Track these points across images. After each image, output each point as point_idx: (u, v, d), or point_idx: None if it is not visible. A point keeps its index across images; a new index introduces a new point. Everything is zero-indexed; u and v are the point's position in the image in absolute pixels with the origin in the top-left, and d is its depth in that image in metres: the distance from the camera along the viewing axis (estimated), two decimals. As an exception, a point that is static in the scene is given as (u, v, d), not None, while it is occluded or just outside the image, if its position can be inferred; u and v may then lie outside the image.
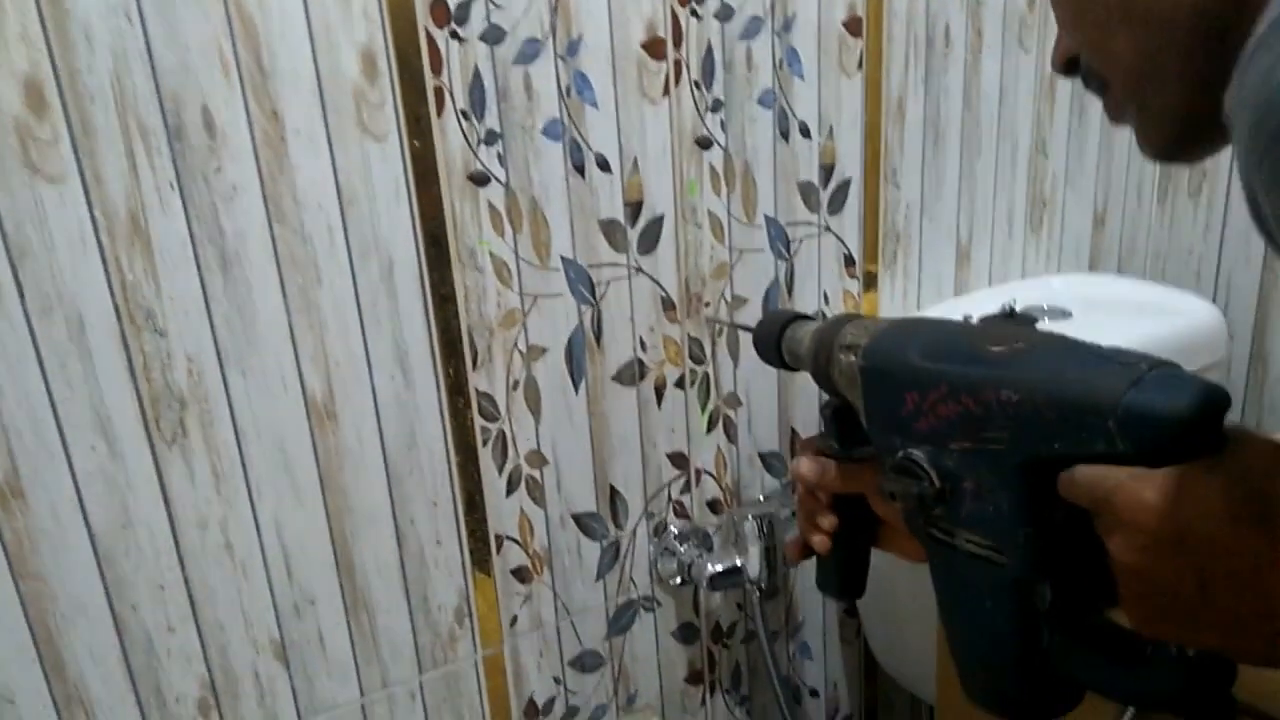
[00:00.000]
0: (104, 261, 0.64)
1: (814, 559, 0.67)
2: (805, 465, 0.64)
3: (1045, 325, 0.91)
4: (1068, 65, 0.46)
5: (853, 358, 0.56)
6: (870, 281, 0.97)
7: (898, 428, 0.53)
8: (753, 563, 0.92)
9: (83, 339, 0.64)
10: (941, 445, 0.50)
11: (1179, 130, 0.43)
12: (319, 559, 0.76)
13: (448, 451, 0.80)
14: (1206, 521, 0.37)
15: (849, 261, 0.94)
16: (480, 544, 0.83)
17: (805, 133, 0.88)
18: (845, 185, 0.91)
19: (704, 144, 0.83)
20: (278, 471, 0.73)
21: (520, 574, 0.86)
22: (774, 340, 0.68)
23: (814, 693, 1.09)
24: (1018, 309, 0.93)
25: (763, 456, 0.96)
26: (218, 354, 0.68)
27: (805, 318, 0.68)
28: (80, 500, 0.67)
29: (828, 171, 0.90)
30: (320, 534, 0.76)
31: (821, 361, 0.61)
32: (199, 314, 0.67)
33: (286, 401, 0.72)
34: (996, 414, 0.46)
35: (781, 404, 0.95)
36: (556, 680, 0.91)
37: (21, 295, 0.62)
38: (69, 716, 0.70)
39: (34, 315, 0.62)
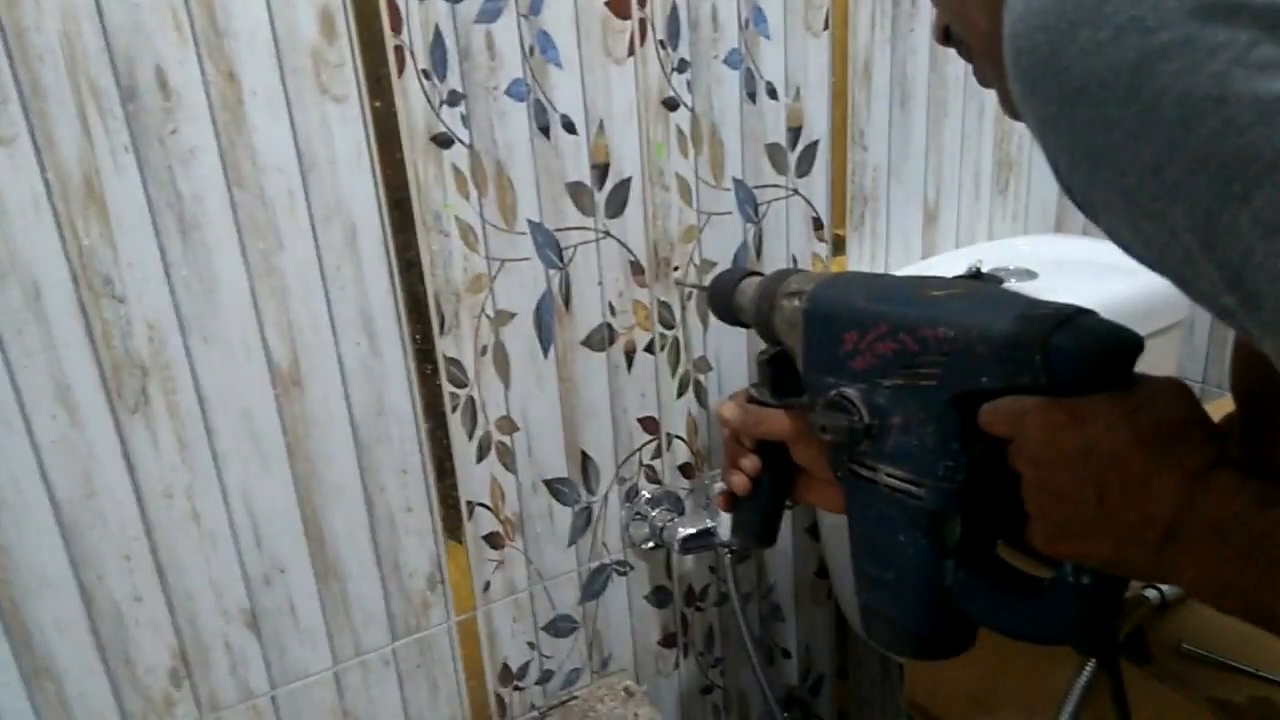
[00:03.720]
0: (58, 227, 0.62)
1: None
2: (729, 410, 0.68)
3: (1011, 286, 0.93)
4: (944, 36, 0.50)
5: (796, 303, 0.61)
6: (839, 245, 0.97)
7: (834, 367, 0.57)
8: (724, 525, 0.93)
9: (39, 306, 0.63)
10: (874, 382, 0.54)
11: None
12: (288, 528, 0.76)
13: (416, 418, 0.79)
14: (1110, 437, 0.41)
15: (817, 224, 0.94)
16: (451, 510, 0.83)
17: (772, 94, 0.87)
18: (813, 147, 0.91)
19: (670, 105, 0.82)
20: (244, 440, 0.72)
21: (492, 540, 0.86)
22: (728, 296, 0.70)
23: (786, 653, 1.10)
24: (984, 270, 0.94)
25: (733, 420, 0.96)
26: (179, 320, 0.68)
27: (757, 274, 0.71)
28: (42, 470, 0.66)
29: (795, 133, 0.90)
30: (289, 502, 0.75)
31: (764, 309, 0.65)
32: (158, 280, 0.66)
33: (250, 369, 0.71)
34: (932, 350, 0.51)
35: (750, 367, 0.95)
36: (531, 645, 0.92)
37: (-27, 261, 0.60)
38: (38, 687, 0.70)
39: (-13, 282, 0.61)
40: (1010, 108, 0.49)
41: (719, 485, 0.94)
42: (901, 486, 0.54)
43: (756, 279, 0.71)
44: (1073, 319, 0.46)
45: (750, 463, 0.69)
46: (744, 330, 0.93)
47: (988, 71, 0.48)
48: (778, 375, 0.68)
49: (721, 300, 0.73)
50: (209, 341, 0.69)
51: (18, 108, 0.60)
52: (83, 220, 0.63)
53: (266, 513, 0.75)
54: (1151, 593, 0.71)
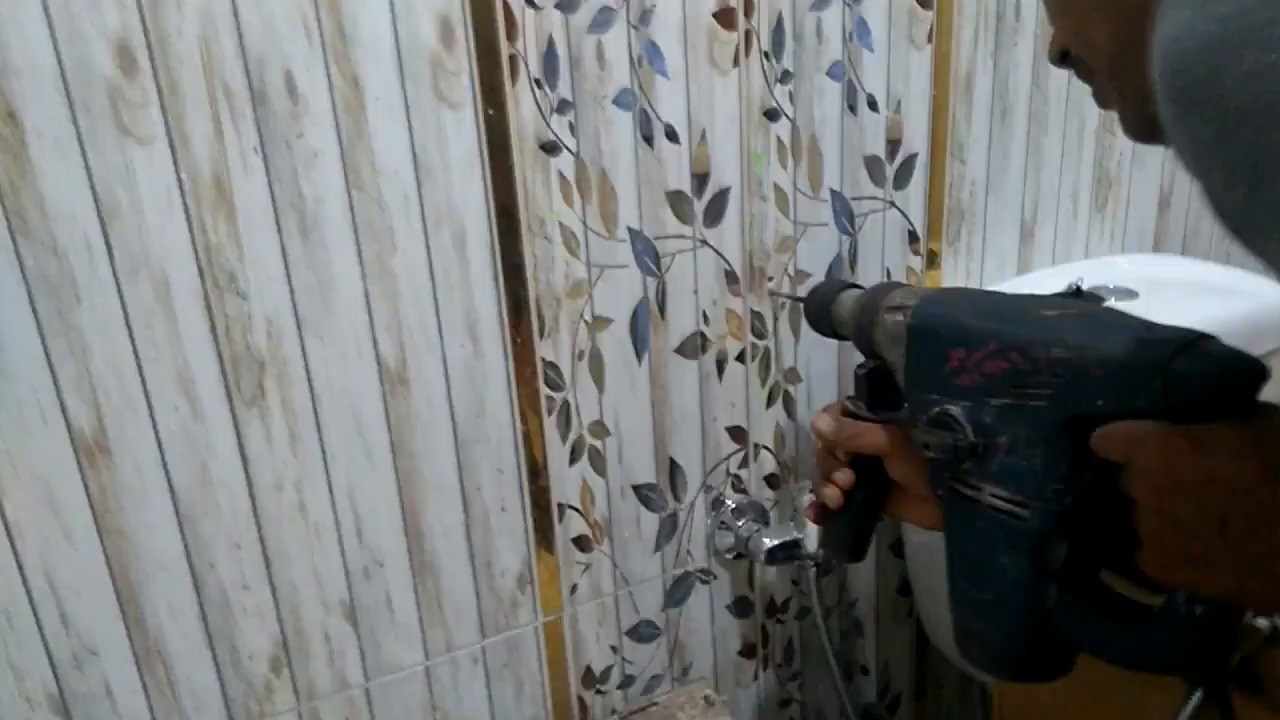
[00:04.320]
0: (189, 223, 0.65)
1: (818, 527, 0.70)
2: (824, 422, 0.67)
3: (1112, 305, 0.91)
4: (1061, 57, 0.49)
5: (900, 317, 0.60)
6: (933, 260, 0.96)
7: (938, 384, 0.56)
8: (810, 538, 0.92)
9: (168, 300, 0.65)
10: (981, 401, 0.53)
11: (1148, 112, 0.46)
12: (389, 523, 0.78)
13: (514, 420, 0.80)
14: (1235, 467, 0.40)
15: (913, 238, 0.94)
16: (543, 512, 0.84)
17: (873, 106, 0.87)
18: (911, 160, 0.91)
19: (772, 116, 0.82)
20: (351, 435, 0.74)
21: (581, 543, 0.87)
22: (826, 307, 0.70)
23: (865, 670, 1.09)
24: (1084, 288, 0.92)
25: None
26: (296, 318, 0.70)
27: (856, 286, 0.71)
28: (163, 459, 0.68)
29: (894, 146, 0.89)
30: (390, 498, 0.77)
31: (865, 322, 0.64)
32: (279, 278, 0.68)
33: (361, 367, 0.73)
34: (1044, 371, 0.49)
35: (841, 380, 0.95)
36: (614, 649, 0.92)
37: (111, 256, 0.63)
38: (149, 669, 0.72)
39: (122, 276, 0.64)
40: (1136, 129, 0.49)
41: (806, 497, 0.94)
42: (1006, 508, 0.53)
43: (856, 291, 0.71)
44: (1195, 344, 0.45)
45: (844, 476, 0.68)
46: (835, 343, 0.93)
47: (1109, 93, 0.48)
48: (875, 389, 0.67)
49: (818, 312, 0.73)
50: (323, 339, 0.71)
51: (157, 109, 0.62)
52: (212, 218, 0.65)
53: (369, 507, 0.76)
54: (1263, 621, 0.69)
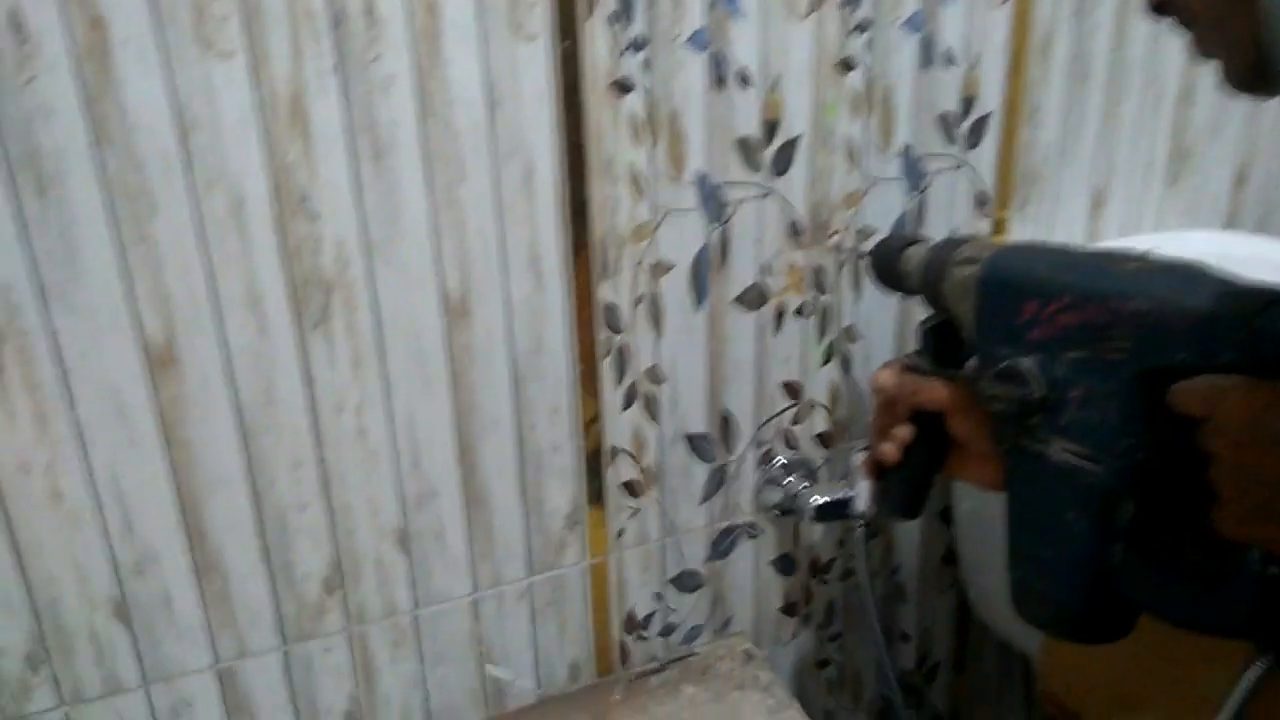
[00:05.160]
0: (265, 142, 0.65)
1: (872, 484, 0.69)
2: (886, 376, 0.67)
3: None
4: (1159, 6, 0.47)
5: (970, 270, 0.60)
6: (999, 227, 0.94)
7: (1009, 337, 0.55)
8: (861, 497, 0.92)
9: (241, 216, 0.66)
10: (1054, 354, 0.53)
11: (1256, 58, 0.44)
12: (445, 454, 0.78)
13: (571, 360, 0.81)
14: None
15: (981, 200, 0.92)
16: (594, 454, 0.85)
17: (949, 62, 0.85)
18: (984, 120, 0.89)
19: (846, 65, 0.81)
20: (412, 363, 0.75)
21: (630, 488, 0.87)
22: (892, 261, 0.70)
23: (905, 636, 1.09)
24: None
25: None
26: (365, 242, 0.70)
27: (923, 240, 0.71)
28: (230, 373, 0.69)
29: (968, 104, 0.88)
30: (447, 429, 0.78)
31: (933, 275, 0.64)
32: (349, 201, 0.69)
33: (425, 294, 0.73)
34: (1123, 324, 0.49)
35: (900, 340, 0.94)
36: (657, 596, 0.93)
37: (188, 169, 0.64)
38: (207, 583, 0.74)
39: (200, 189, 0.65)
40: (1241, 78, 0.47)
41: (859, 455, 0.94)
42: (1076, 463, 0.52)
43: (923, 245, 0.71)
44: None
45: (903, 432, 0.68)
46: (895, 303, 0.92)
47: (1211, 42, 0.46)
48: (940, 344, 0.67)
49: (885, 265, 0.73)
50: (390, 265, 0.71)
51: (238, 23, 0.63)
52: (287, 137, 0.66)
53: (426, 436, 0.77)
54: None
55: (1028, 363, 0.54)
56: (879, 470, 0.71)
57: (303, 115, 0.66)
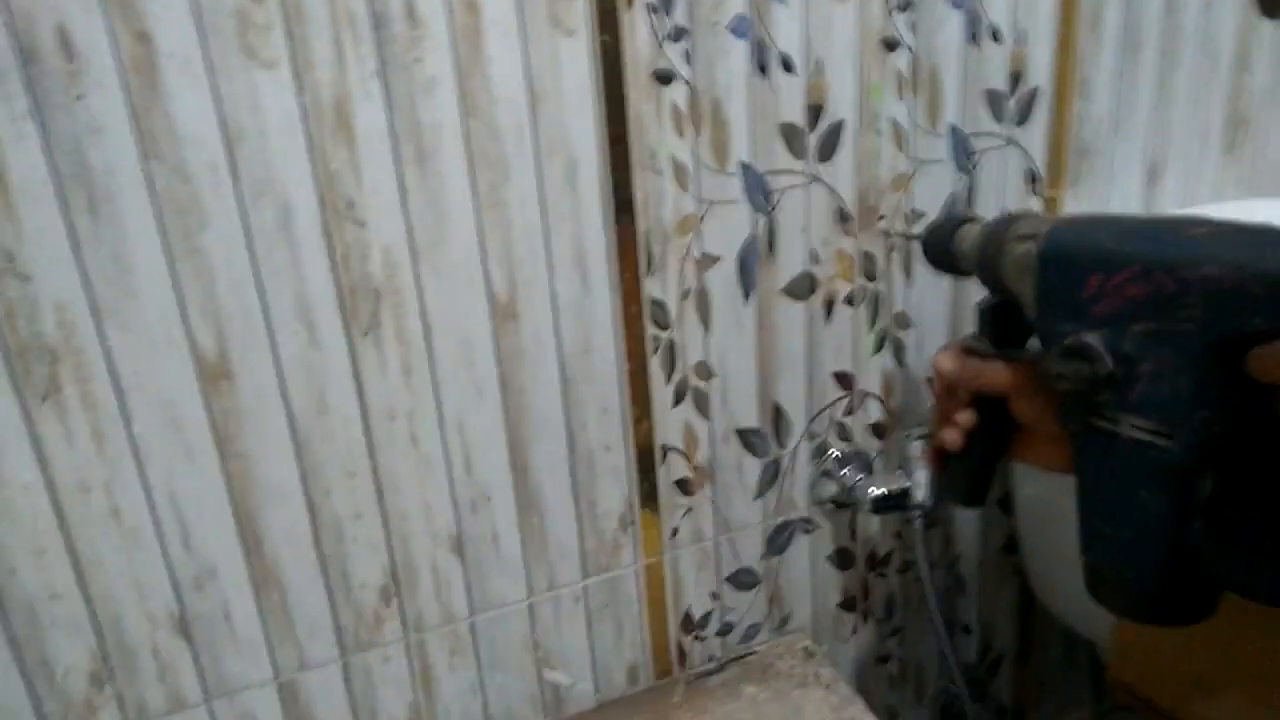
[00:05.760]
0: (310, 150, 0.65)
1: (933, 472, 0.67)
2: (947, 360, 0.65)
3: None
4: None
5: (1029, 245, 0.58)
6: (1051, 205, 0.92)
7: (1073, 312, 0.53)
8: (919, 487, 0.90)
9: (290, 226, 0.66)
10: (1121, 328, 0.50)
11: None
12: (496, 457, 0.78)
13: (619, 358, 0.80)
14: None
15: (1032, 178, 0.90)
16: (645, 454, 0.84)
17: (996, 37, 0.83)
18: (1033, 95, 0.87)
19: (890, 45, 0.79)
20: (462, 367, 0.74)
21: (683, 486, 0.86)
22: (946, 242, 0.68)
23: (966, 629, 1.06)
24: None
25: (930, 382, 0.93)
26: (411, 248, 0.70)
27: (977, 219, 0.69)
28: (282, 384, 0.69)
29: (1016, 79, 0.86)
30: (498, 432, 0.77)
31: (990, 253, 0.62)
32: (395, 207, 0.68)
33: (473, 297, 0.73)
34: (1195, 291, 0.46)
35: (952, 327, 0.91)
36: (713, 595, 0.91)
37: (236, 180, 0.64)
38: (265, 595, 0.74)
39: (248, 200, 0.64)
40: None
41: (915, 445, 0.92)
42: (1148, 439, 0.50)
43: (978, 224, 0.69)
44: None
45: (965, 417, 0.67)
46: (948, 289, 0.90)
47: None
48: (999, 325, 0.65)
49: (938, 247, 0.71)
50: (437, 269, 0.71)
51: (281, 32, 0.62)
52: (332, 144, 0.65)
53: (478, 441, 0.76)
54: None
55: (1093, 338, 0.52)
56: (941, 458, 0.70)
57: (347, 121, 0.65)
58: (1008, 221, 0.62)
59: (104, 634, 0.70)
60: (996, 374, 0.63)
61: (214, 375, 0.67)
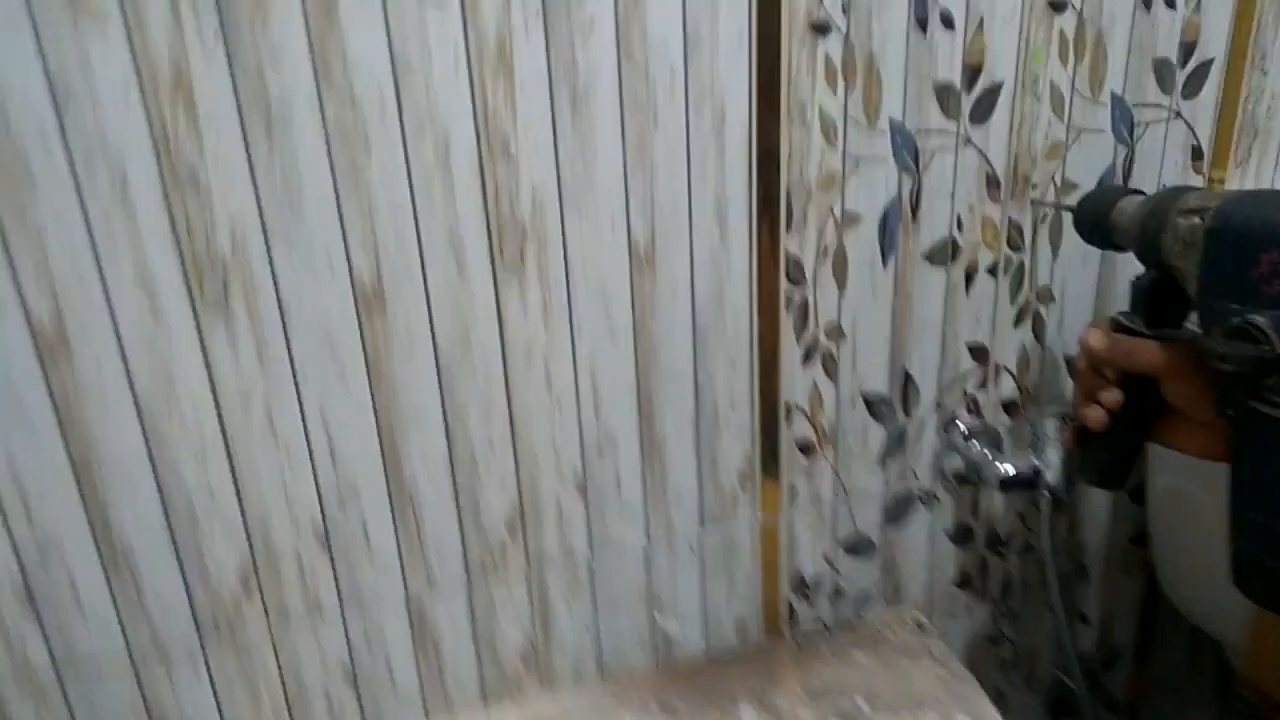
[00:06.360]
0: (471, 86, 0.67)
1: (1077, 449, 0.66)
2: (1096, 337, 0.64)
3: None
4: None
5: (1196, 220, 0.56)
6: (1215, 185, 0.87)
7: (1242, 292, 0.51)
8: (1051, 469, 0.87)
9: (446, 160, 0.68)
10: None
11: None
12: (625, 402, 0.79)
13: (751, 313, 0.80)
14: None
15: (1196, 154, 0.85)
16: (770, 411, 0.84)
17: (1170, 2, 0.79)
18: (1205, 66, 0.82)
19: (1058, 6, 0.76)
20: (598, 312, 0.75)
21: (805, 447, 0.86)
22: (1103, 214, 0.67)
23: (1085, 619, 1.03)
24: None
25: (1069, 360, 0.90)
26: (558, 189, 0.71)
27: (1138, 193, 0.67)
28: (430, 316, 0.72)
29: (1188, 49, 0.81)
30: (627, 378, 0.78)
31: (1152, 226, 0.60)
32: (546, 147, 0.70)
33: (613, 243, 0.74)
34: None
35: (1098, 305, 0.88)
36: (827, 559, 0.91)
37: (400, 112, 0.66)
38: (401, 516, 0.77)
39: (410, 133, 0.67)
40: None
41: (1048, 425, 0.89)
42: None
43: (1139, 197, 0.67)
44: None
45: (1112, 396, 0.65)
46: (1095, 264, 0.87)
47: None
48: (1155, 303, 0.63)
49: (1094, 219, 0.69)
50: (581, 213, 0.72)
51: (452, -29, 0.64)
52: (492, 82, 0.67)
53: (609, 384, 0.78)
54: None
55: (1262, 319, 0.50)
56: (1082, 436, 0.69)
57: (508, 60, 0.67)
58: (1175, 195, 0.60)
59: (253, 538, 0.74)
60: (1150, 353, 0.62)
61: (369, 302, 0.70)
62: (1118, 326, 0.65)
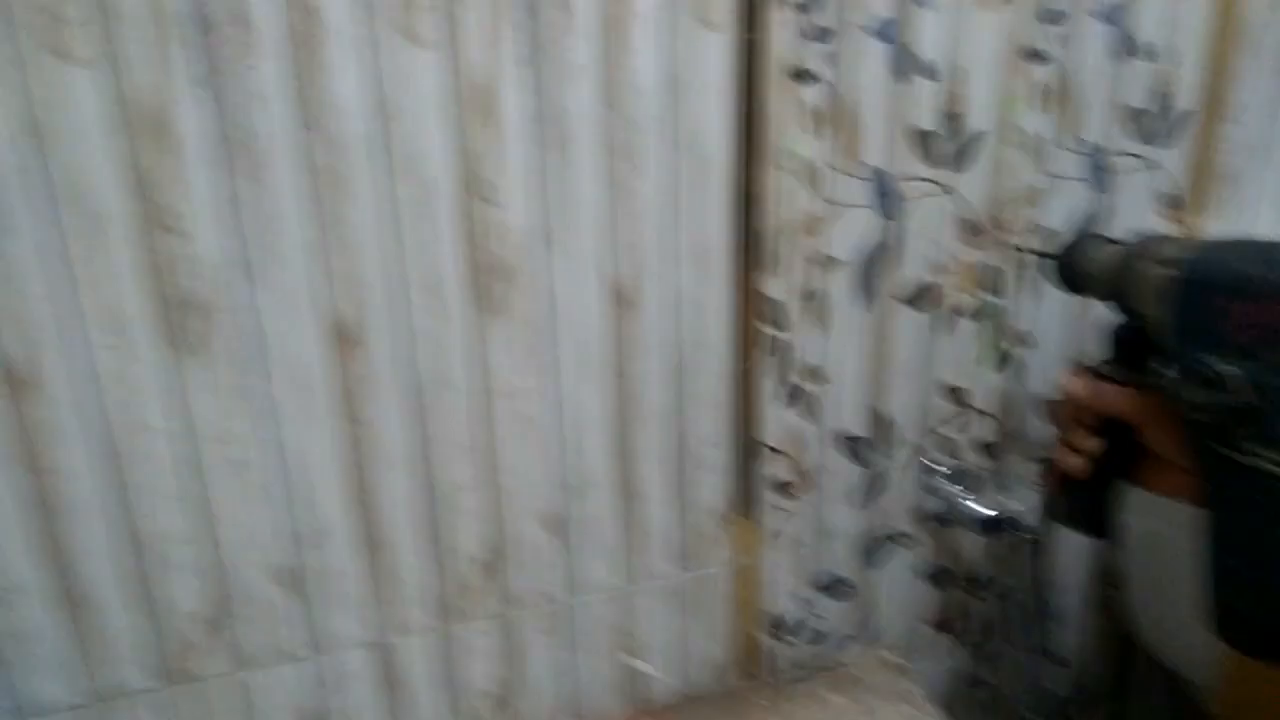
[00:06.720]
0: (456, 130, 0.67)
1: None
2: (1080, 384, 0.64)
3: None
4: None
5: (1168, 270, 0.56)
6: (1189, 232, 0.89)
7: (1213, 342, 0.52)
8: (1029, 511, 0.88)
9: (429, 202, 0.68)
10: (1265, 359, 0.49)
11: None
12: (603, 443, 0.79)
13: (732, 355, 0.80)
14: None
15: (1171, 203, 0.87)
16: (748, 452, 0.83)
17: (1143, 54, 0.81)
18: (1180, 117, 0.84)
19: (1035, 57, 0.78)
20: (578, 353, 0.75)
21: (784, 488, 0.86)
22: (1081, 263, 0.68)
23: (1063, 662, 1.03)
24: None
25: (1047, 404, 0.91)
26: (543, 232, 0.71)
27: (1115, 241, 0.68)
28: (411, 356, 0.71)
29: (1162, 99, 0.83)
30: (606, 418, 0.78)
31: (1126, 277, 0.61)
32: (532, 191, 0.70)
33: (594, 285, 0.74)
34: None
35: (1073, 349, 0.89)
36: (806, 602, 0.91)
37: (385, 154, 0.66)
38: (374, 560, 0.76)
39: (393, 175, 0.66)
40: None
41: (1026, 468, 0.90)
42: None
43: (1110, 245, 0.68)
44: None
45: (1093, 444, 0.65)
46: (1073, 308, 0.88)
47: None
48: (1130, 349, 0.64)
49: (1072, 268, 0.70)
50: (565, 254, 0.72)
51: (441, 15, 0.64)
52: (474, 126, 0.67)
53: (588, 424, 0.77)
54: None
55: (1234, 369, 0.51)
56: (1065, 483, 0.69)
57: (492, 104, 0.67)
58: (1149, 244, 0.61)
59: (224, 582, 0.73)
60: (1129, 400, 0.62)
61: (347, 342, 0.69)
62: (1095, 374, 0.66)
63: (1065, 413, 0.66)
